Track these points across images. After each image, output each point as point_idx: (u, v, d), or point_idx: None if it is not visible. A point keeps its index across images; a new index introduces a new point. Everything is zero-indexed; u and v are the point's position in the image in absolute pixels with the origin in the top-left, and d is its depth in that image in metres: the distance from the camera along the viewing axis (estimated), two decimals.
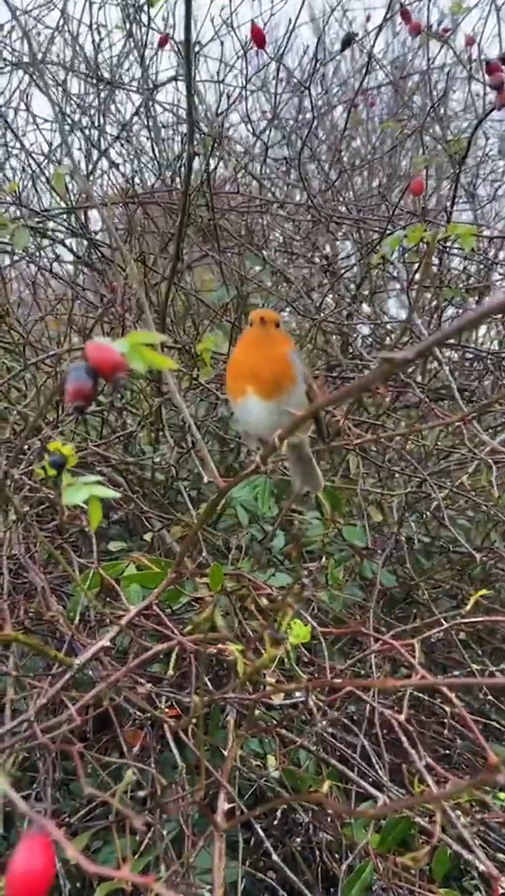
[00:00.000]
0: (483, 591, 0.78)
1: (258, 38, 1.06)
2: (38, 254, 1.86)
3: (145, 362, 0.52)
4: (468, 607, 0.77)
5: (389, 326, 1.64)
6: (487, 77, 1.01)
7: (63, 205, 1.71)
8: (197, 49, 1.95)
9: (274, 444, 0.63)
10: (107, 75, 1.97)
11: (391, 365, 0.44)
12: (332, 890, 1.09)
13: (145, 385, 1.35)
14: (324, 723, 0.80)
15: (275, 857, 0.95)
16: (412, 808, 0.87)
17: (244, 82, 1.71)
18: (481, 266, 1.53)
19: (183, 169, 1.01)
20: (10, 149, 2.21)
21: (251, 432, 0.81)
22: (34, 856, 0.30)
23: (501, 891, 0.75)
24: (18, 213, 1.78)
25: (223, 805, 0.68)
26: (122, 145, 2.22)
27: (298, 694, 0.81)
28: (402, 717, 0.64)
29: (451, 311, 1.70)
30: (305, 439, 0.89)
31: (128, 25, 2.07)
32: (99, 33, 1.90)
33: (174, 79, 1.86)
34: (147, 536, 1.50)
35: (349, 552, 1.43)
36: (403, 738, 0.66)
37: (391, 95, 2.65)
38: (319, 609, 1.34)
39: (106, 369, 0.49)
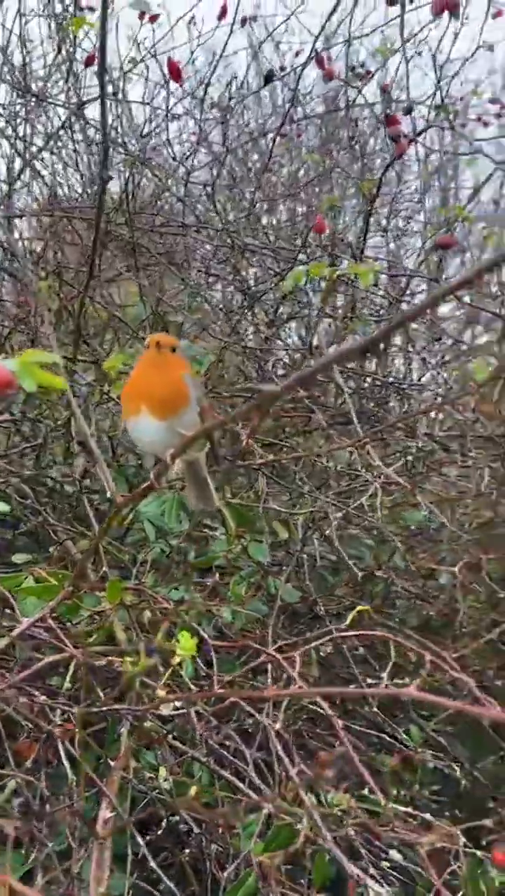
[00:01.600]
0: (362, 608, 0.83)
1: (174, 72, 1.10)
2: None
3: (36, 381, 0.54)
4: (348, 621, 0.81)
5: (297, 354, 1.70)
6: (386, 128, 1.09)
7: None
8: (126, 69, 1.98)
9: (166, 461, 0.66)
10: (34, 87, 1.97)
11: (265, 396, 0.48)
12: None
13: (56, 397, 1.36)
14: (208, 733, 0.83)
15: (159, 868, 0.97)
16: (293, 816, 0.91)
17: (167, 108, 1.75)
18: (388, 300, 1.61)
19: (96, 192, 1.03)
20: None
21: (146, 450, 0.84)
22: None
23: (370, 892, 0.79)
24: None
25: (105, 813, 0.70)
26: (51, 153, 2.22)
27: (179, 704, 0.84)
28: (277, 726, 0.67)
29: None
30: (200, 458, 0.92)
31: (57, 39, 2.08)
32: (26, 46, 1.90)
33: (98, 98, 1.88)
34: (52, 549, 1.50)
35: (255, 568, 1.47)
36: (277, 745, 0.70)
37: (319, 128, 2.75)
38: (223, 624, 1.37)
39: None
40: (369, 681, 1.35)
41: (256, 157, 2.66)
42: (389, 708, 1.46)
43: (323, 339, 1.85)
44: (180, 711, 0.79)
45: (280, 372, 1.77)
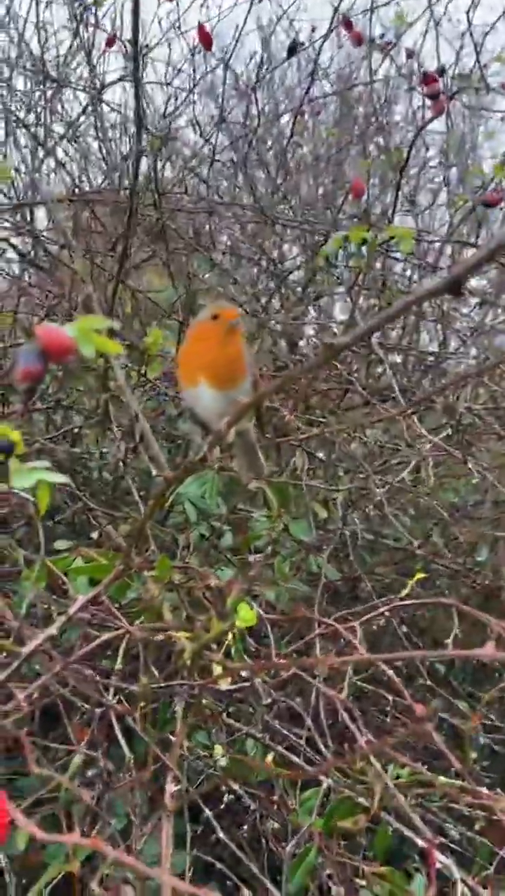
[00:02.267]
0: (420, 575, 0.81)
1: (205, 39, 1.08)
2: None
3: (94, 346, 0.53)
4: (405, 591, 0.80)
5: (333, 328, 1.68)
6: (424, 87, 1.06)
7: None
8: (144, 51, 1.96)
9: (221, 431, 0.65)
10: (53, 74, 1.96)
11: (331, 349, 0.47)
12: (277, 878, 1.11)
13: (92, 382, 1.35)
14: (269, 701, 0.82)
15: (218, 846, 0.97)
16: (355, 789, 0.90)
17: (191, 86, 1.72)
18: (421, 270, 1.58)
19: (130, 168, 1.02)
20: None
21: (199, 417, 0.84)
22: None
23: (436, 863, 0.78)
24: None
25: (171, 787, 0.70)
26: (70, 142, 2.20)
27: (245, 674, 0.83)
28: (343, 696, 0.66)
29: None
30: (249, 427, 0.92)
31: (74, 25, 2.06)
32: (45, 31, 1.88)
33: (121, 79, 1.87)
34: (94, 535, 1.50)
35: (295, 547, 1.46)
36: (344, 715, 0.69)
37: (336, 106, 2.71)
38: (266, 603, 1.36)
39: (56, 352, 0.51)
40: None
41: (271, 139, 2.62)
42: (433, 687, 1.44)
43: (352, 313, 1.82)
44: (238, 686, 0.79)
45: (312, 350, 1.75)
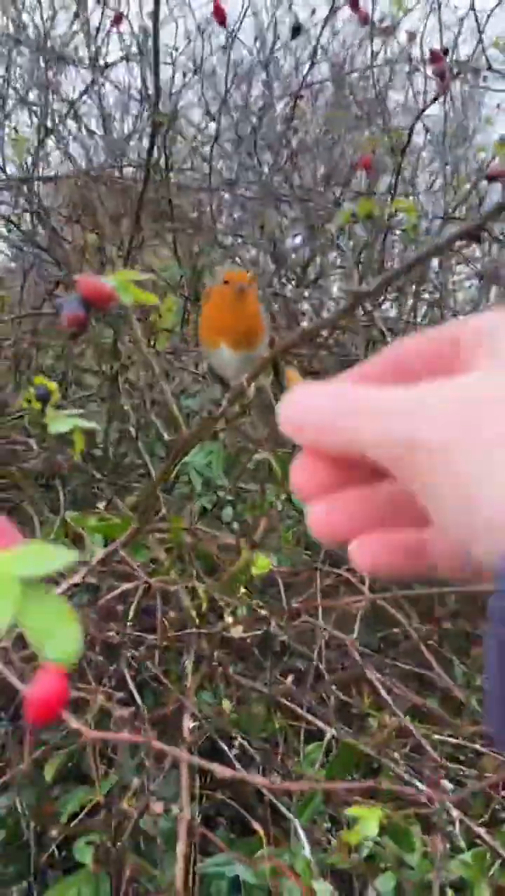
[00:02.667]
0: None
1: (220, 15, 1.10)
2: None
3: (132, 296, 0.57)
4: None
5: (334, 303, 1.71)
6: (430, 65, 1.09)
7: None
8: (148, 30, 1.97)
9: (242, 386, 0.69)
10: (55, 50, 1.97)
11: (355, 296, 0.51)
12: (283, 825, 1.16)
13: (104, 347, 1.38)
14: (282, 641, 0.86)
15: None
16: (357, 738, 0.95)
17: (197, 64, 1.75)
18: (421, 246, 1.62)
19: (149, 139, 1.05)
20: None
21: (220, 375, 0.88)
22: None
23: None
24: None
25: (188, 723, 0.74)
26: (74, 120, 2.22)
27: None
28: (355, 640, 0.70)
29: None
30: (267, 385, 0.96)
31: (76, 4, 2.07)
32: (52, 9, 1.90)
33: (125, 58, 1.88)
34: (100, 505, 1.53)
35: (297, 518, 1.50)
36: (356, 655, 0.73)
37: (333, 92, 2.73)
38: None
39: (97, 300, 0.54)
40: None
41: (270, 121, 2.64)
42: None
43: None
44: (251, 634, 0.83)
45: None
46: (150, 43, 1.83)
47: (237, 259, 1.94)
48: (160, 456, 1.54)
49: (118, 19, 1.57)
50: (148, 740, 0.44)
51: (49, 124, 2.10)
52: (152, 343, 1.37)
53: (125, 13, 1.57)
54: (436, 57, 1.08)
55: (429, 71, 1.23)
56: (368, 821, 0.65)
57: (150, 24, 1.84)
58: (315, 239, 1.64)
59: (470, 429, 0.27)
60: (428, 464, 0.28)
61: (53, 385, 0.63)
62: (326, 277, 2.11)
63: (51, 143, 1.97)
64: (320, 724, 1.00)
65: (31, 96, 2.16)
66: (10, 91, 2.15)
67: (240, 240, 2.11)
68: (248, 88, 2.12)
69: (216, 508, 1.49)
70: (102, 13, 1.73)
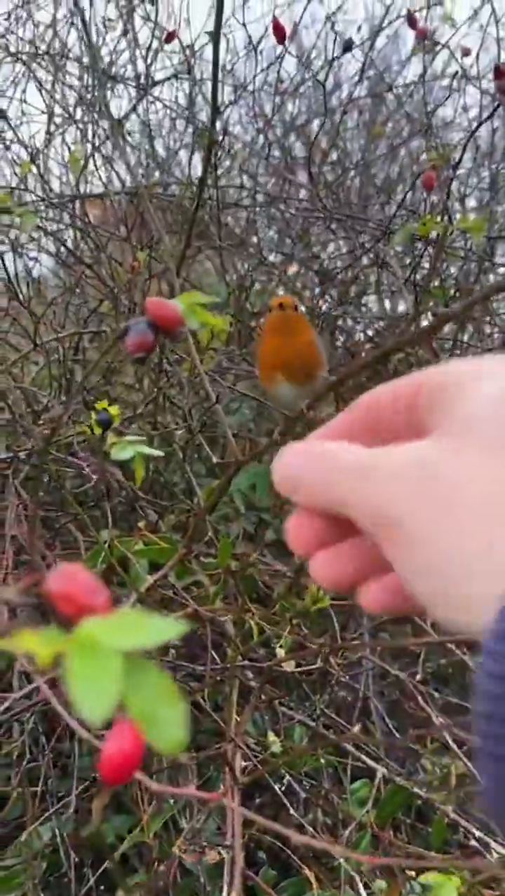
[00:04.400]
0: None
1: (280, 32, 1.09)
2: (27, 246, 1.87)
3: (200, 320, 0.55)
4: None
5: (381, 324, 1.68)
6: (494, 80, 1.06)
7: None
8: (198, 48, 1.98)
9: (302, 410, 0.66)
10: (103, 68, 1.98)
11: (442, 318, 0.48)
12: (326, 863, 1.12)
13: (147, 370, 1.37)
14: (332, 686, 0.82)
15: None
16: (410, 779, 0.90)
17: (248, 80, 1.74)
18: (477, 265, 1.58)
19: (203, 154, 1.03)
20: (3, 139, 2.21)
21: (283, 408, 0.86)
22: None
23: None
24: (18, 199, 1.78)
25: (239, 762, 0.71)
26: (123, 139, 2.23)
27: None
28: (418, 677, 0.67)
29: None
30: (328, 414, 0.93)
31: (123, 20, 2.09)
32: (105, 27, 1.91)
33: (175, 76, 1.89)
34: (141, 524, 1.51)
35: None
36: (419, 698, 0.69)
37: (373, 107, 2.71)
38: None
39: (166, 324, 0.52)
40: None
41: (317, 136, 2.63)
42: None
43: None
44: (304, 669, 0.79)
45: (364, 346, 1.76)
46: (195, 60, 1.84)
47: (277, 274, 1.93)
48: (202, 475, 1.52)
49: (170, 37, 1.57)
50: (211, 797, 0.41)
51: (96, 141, 2.13)
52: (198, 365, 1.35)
53: (176, 31, 1.57)
54: (500, 73, 1.05)
55: (484, 85, 1.20)
56: (444, 889, 0.60)
57: (198, 42, 1.85)
58: (358, 257, 1.61)
59: (431, 506, 0.27)
60: (392, 538, 0.28)
61: (116, 410, 0.61)
62: (367, 295, 2.08)
63: (96, 160, 1.99)
64: (370, 762, 0.96)
65: (79, 113, 2.18)
66: (58, 108, 2.19)
67: (283, 257, 2.09)
68: (295, 103, 2.12)
69: (260, 528, 1.46)
70: (153, 32, 1.73)
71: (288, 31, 1.75)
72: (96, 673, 0.21)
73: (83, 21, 1.99)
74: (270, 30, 1.08)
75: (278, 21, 1.06)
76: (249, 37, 1.63)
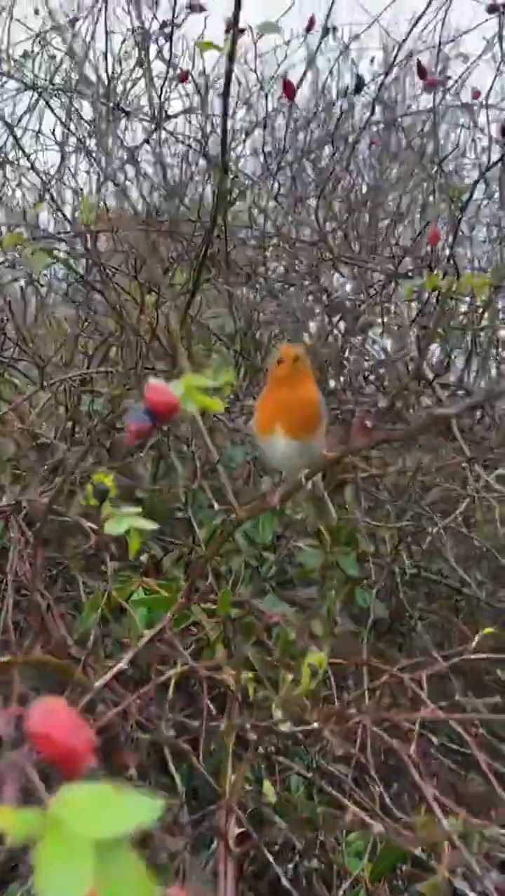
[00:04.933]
0: (488, 630, 0.81)
1: (289, 92, 1.10)
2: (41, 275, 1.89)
3: (198, 404, 0.55)
4: (473, 644, 0.80)
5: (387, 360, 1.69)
6: (502, 137, 1.07)
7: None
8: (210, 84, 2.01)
9: (300, 482, 0.66)
10: (117, 101, 2.02)
11: (440, 418, 0.48)
12: None
13: None
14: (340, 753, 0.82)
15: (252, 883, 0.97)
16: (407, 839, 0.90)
17: (258, 120, 1.76)
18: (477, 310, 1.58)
19: (213, 201, 1.04)
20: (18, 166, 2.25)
21: (277, 468, 0.85)
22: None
23: None
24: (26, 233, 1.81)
25: (234, 829, 0.70)
26: (134, 167, 2.26)
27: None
28: (412, 750, 0.66)
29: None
30: (319, 476, 0.93)
31: (140, 55, 2.12)
32: (119, 63, 1.94)
33: (188, 111, 1.91)
34: (142, 557, 1.52)
35: (341, 580, 1.46)
36: (413, 771, 0.69)
37: (387, 139, 2.73)
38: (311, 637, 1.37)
39: (164, 410, 0.53)
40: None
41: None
42: None
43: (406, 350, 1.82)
44: (302, 729, 0.79)
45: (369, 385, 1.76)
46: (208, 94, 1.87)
47: (282, 306, 1.93)
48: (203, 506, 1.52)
49: (184, 77, 1.59)
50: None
51: (108, 171, 2.16)
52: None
53: (190, 70, 1.59)
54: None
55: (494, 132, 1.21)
56: None
57: (210, 77, 1.88)
58: (367, 296, 1.62)
59: None
60: None
61: (111, 480, 0.61)
62: (373, 328, 2.09)
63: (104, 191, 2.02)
64: (365, 817, 0.95)
65: (91, 144, 2.22)
66: (72, 139, 2.22)
67: (292, 289, 2.10)
68: (306, 138, 2.14)
69: (263, 567, 1.46)
70: (168, 68, 1.76)
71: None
72: (66, 863, 0.21)
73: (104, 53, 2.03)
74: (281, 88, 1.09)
75: (288, 81, 1.08)
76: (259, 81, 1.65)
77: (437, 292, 1.25)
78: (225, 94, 0.83)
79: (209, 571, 1.05)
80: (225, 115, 0.86)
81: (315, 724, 0.71)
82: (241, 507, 0.78)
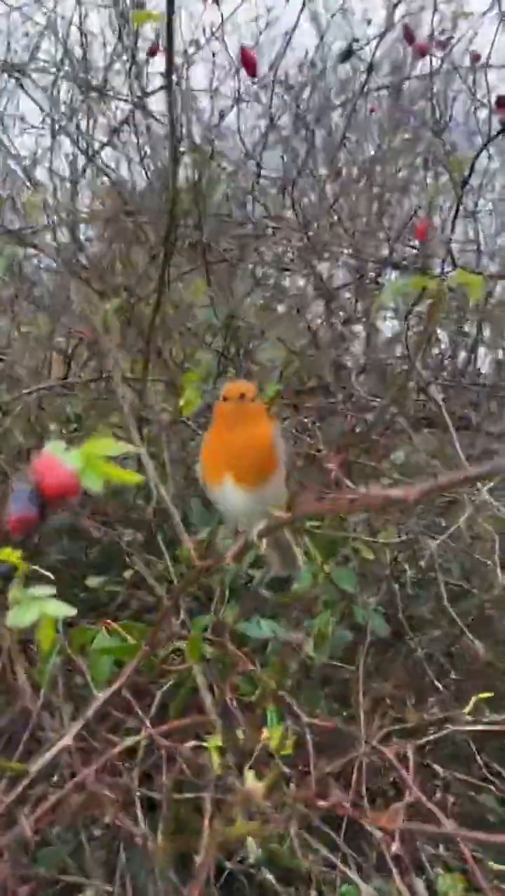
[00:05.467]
0: (486, 694, 0.71)
1: (249, 65, 0.97)
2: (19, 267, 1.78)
3: (102, 478, 0.44)
4: (468, 709, 0.70)
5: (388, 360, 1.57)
6: (498, 111, 0.94)
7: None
8: (188, 54, 1.87)
9: (252, 541, 0.56)
10: (95, 82, 1.88)
11: (396, 502, 0.38)
12: None
13: None
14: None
15: None
16: None
17: (237, 98, 1.62)
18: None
19: (168, 205, 0.93)
20: None
21: (228, 519, 0.74)
22: None
23: None
24: None
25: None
26: (113, 148, 2.13)
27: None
28: (394, 848, 0.57)
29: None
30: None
31: (117, 29, 1.98)
32: (86, 38, 1.80)
33: (164, 87, 1.77)
34: (126, 574, 1.42)
35: (336, 595, 1.36)
36: (394, 870, 0.59)
37: (390, 103, 2.56)
38: (308, 659, 1.27)
39: (57, 494, 0.42)
40: None
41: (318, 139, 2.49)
42: None
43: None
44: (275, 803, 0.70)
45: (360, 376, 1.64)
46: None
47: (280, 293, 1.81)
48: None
49: (154, 51, 1.46)
50: None
51: (89, 153, 2.03)
52: (180, 406, 1.25)
53: (160, 45, 1.46)
54: (502, 102, 0.93)
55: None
56: None
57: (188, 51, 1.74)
58: (363, 287, 1.49)
59: None
60: None
61: (17, 558, 0.51)
62: (373, 316, 1.96)
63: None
64: (357, 879, 0.86)
65: (72, 126, 2.08)
66: (51, 120, 2.09)
67: (287, 273, 1.98)
68: (297, 107, 1.98)
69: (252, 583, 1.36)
70: (134, 42, 1.62)
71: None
72: None
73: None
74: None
75: (247, 51, 0.94)
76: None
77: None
78: (168, 66, 0.71)
79: (181, 611, 0.95)
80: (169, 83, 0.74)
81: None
82: (199, 559, 0.68)
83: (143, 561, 1.33)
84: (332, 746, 0.82)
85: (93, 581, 1.43)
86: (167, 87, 0.71)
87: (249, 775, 0.74)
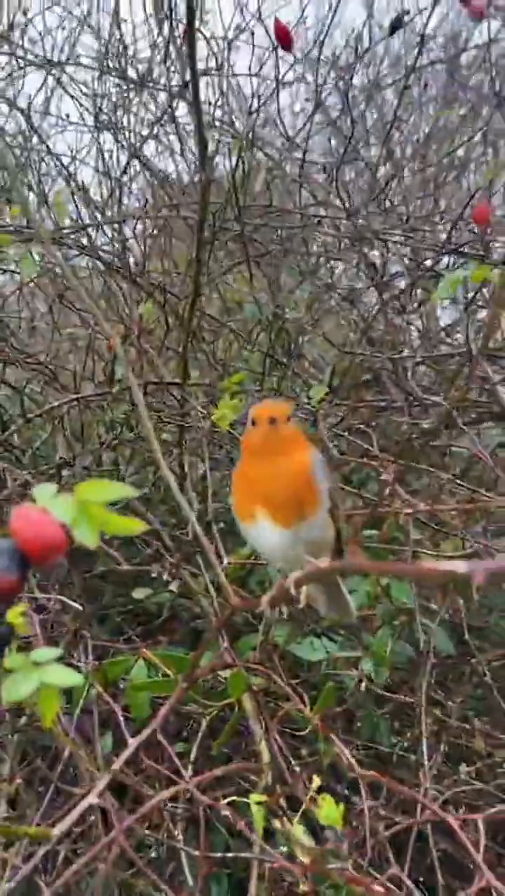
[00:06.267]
0: None
1: (283, 37, 0.87)
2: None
3: (97, 529, 0.37)
4: None
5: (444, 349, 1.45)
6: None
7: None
8: (231, 38, 1.78)
9: (288, 590, 0.48)
10: (134, 74, 1.82)
11: (455, 576, 0.29)
12: None
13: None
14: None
15: None
16: None
17: (277, 79, 1.52)
18: None
19: (200, 192, 0.85)
20: (37, 152, 2.09)
21: (265, 559, 0.66)
22: None
23: None
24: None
25: None
26: (156, 141, 2.06)
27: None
28: None
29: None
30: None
31: (156, 18, 1.91)
32: (121, 29, 1.74)
33: (205, 73, 1.69)
34: (173, 587, 1.36)
35: (394, 610, 1.26)
36: None
37: (445, 79, 2.41)
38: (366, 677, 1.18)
39: (39, 551, 0.35)
40: None
41: (373, 117, 2.37)
42: None
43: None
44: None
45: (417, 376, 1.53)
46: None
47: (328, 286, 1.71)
48: None
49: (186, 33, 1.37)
50: None
51: (132, 150, 1.97)
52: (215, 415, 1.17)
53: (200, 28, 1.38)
54: None
55: None
56: None
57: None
58: (418, 273, 1.38)
59: None
60: None
61: (18, 617, 0.44)
62: (428, 305, 1.84)
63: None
64: None
65: (115, 119, 2.03)
66: (94, 116, 2.04)
67: (341, 265, 1.87)
68: (347, 86, 1.87)
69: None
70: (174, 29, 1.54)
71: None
72: None
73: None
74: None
75: (280, 23, 0.85)
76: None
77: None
78: (191, 50, 0.63)
79: (223, 640, 0.87)
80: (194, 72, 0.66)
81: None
82: (235, 601, 0.60)
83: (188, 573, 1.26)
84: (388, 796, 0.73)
85: (139, 592, 1.38)
86: (190, 67, 0.63)
87: (298, 831, 0.66)
